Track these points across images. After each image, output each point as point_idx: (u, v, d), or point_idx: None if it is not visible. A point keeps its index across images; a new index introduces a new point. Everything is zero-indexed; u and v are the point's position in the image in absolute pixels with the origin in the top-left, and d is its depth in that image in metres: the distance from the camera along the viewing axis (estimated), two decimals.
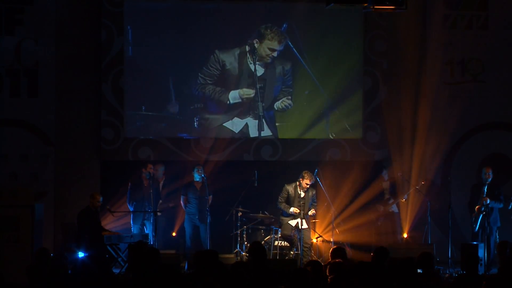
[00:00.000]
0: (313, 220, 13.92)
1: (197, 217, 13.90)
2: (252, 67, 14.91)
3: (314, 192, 13.38)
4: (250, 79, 14.96)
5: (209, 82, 14.92)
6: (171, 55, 14.83)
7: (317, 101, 15.16)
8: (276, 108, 15.07)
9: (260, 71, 14.98)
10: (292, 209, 13.14)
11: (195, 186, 14.05)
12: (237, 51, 14.93)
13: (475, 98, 15.29)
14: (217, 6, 14.98)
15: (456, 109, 15.24)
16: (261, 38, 14.92)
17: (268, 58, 14.96)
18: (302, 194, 13.16)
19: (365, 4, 10.63)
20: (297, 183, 13.21)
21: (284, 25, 14.98)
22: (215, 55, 14.86)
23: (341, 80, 15.13)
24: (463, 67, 15.33)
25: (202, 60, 14.88)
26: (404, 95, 15.30)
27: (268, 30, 14.91)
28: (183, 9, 14.90)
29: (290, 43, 15.02)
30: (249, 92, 14.94)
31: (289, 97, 15.10)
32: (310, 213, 13.16)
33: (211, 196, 14.03)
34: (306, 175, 13.13)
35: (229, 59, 14.88)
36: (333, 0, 10.72)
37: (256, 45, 14.89)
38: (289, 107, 15.12)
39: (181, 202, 14.17)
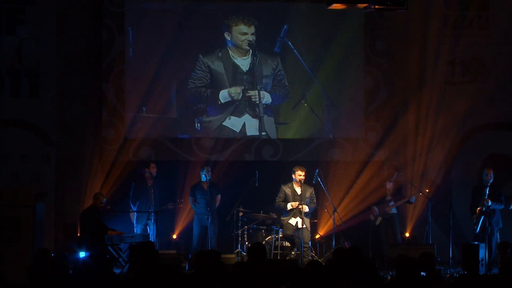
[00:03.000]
0: (314, 221, 13.93)
1: (206, 217, 13.84)
2: (237, 62, 14.92)
3: (312, 191, 13.37)
4: (239, 75, 14.96)
5: (199, 85, 14.92)
6: (171, 56, 14.83)
7: (317, 101, 15.15)
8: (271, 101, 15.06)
9: (245, 66, 14.96)
10: (289, 204, 13.15)
11: (202, 187, 14.03)
12: (219, 52, 14.94)
13: (476, 98, 15.28)
14: (218, 7, 14.98)
15: (457, 109, 15.24)
16: (229, 28, 14.94)
17: (245, 43, 14.93)
18: (299, 191, 13.20)
19: (366, 4, 10.62)
20: (293, 181, 13.28)
21: (285, 26, 14.98)
22: (199, 59, 14.88)
23: (341, 80, 15.14)
24: (464, 67, 15.32)
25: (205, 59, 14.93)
26: (405, 95, 15.31)
27: (231, 20, 14.93)
28: (184, 10, 14.88)
29: (290, 43, 15.01)
30: (237, 90, 14.95)
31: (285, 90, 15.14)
32: (304, 209, 13.12)
33: (219, 196, 14.09)
34: (296, 168, 13.27)
35: (212, 59, 14.92)
36: (334, 0, 10.70)
37: (228, 37, 14.89)
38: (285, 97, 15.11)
39: (190, 203, 14.17)
